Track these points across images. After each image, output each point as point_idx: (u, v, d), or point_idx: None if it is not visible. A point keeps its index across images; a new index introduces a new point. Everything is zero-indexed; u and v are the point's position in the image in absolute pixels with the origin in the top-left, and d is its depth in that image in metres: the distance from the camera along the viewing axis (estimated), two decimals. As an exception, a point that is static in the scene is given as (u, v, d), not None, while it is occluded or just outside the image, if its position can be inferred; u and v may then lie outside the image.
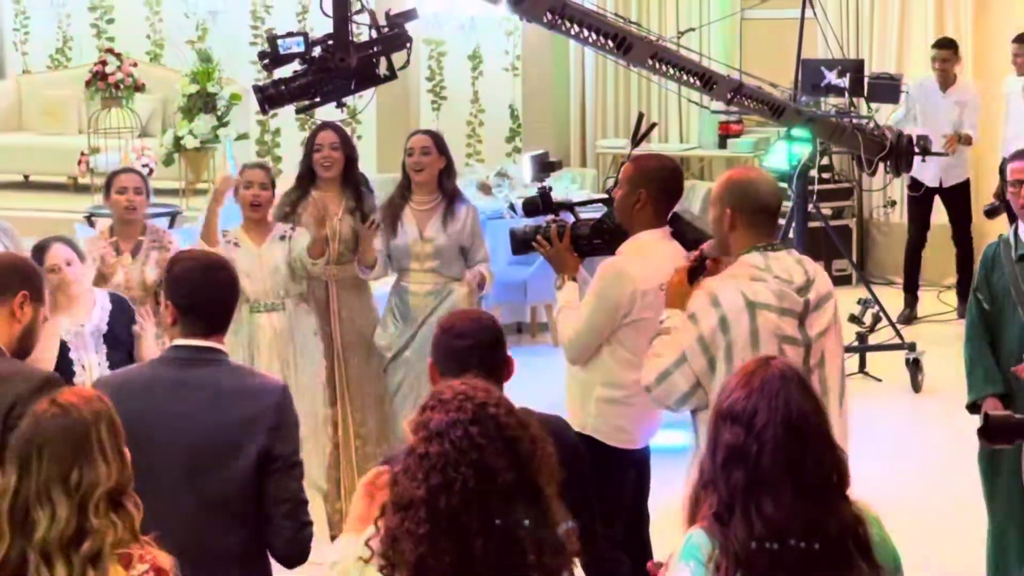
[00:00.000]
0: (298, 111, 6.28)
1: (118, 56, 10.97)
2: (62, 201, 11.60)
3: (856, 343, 8.80)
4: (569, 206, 5.37)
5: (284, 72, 6.01)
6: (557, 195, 5.71)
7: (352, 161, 6.47)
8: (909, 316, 10.12)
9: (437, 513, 2.64)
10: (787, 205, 9.10)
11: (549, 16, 6.55)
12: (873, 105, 9.39)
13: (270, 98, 5.85)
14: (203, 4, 13.31)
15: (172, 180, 10.83)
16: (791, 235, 8.91)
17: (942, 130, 9.79)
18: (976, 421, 5.32)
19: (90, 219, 9.62)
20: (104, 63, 10.88)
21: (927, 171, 9.88)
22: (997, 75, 10.71)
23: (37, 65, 14.01)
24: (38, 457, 2.81)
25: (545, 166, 5.78)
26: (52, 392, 3.51)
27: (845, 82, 9.18)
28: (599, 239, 5.02)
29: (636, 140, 5.70)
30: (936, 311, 10.36)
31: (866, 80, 9.39)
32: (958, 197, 10.31)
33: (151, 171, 10.30)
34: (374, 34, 5.98)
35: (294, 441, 3.66)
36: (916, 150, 8.85)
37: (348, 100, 13.09)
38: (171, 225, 9.45)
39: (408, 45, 5.92)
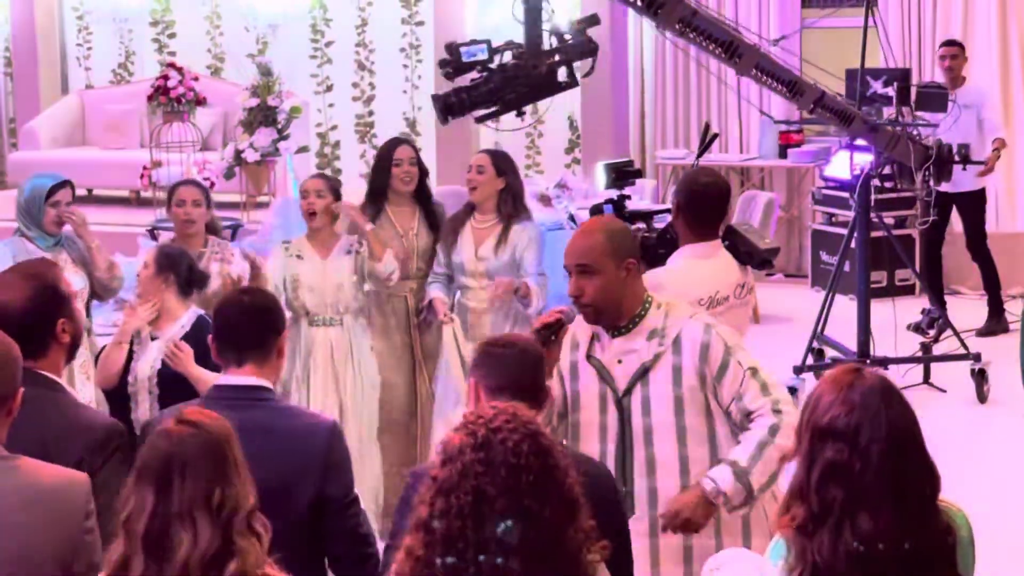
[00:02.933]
0: (478, 120, 6.22)
1: (180, 70, 11.06)
2: (125, 215, 11.70)
3: (920, 353, 8.71)
4: (644, 215, 5.37)
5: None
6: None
7: (424, 175, 6.48)
8: (988, 328, 9.98)
9: (434, 537, 2.62)
10: (850, 214, 9.04)
11: (679, 25, 6.54)
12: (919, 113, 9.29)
13: (450, 107, 5.81)
14: (263, 18, 13.41)
15: (233, 193, 10.90)
16: (853, 245, 8.83)
17: (959, 135, 9.65)
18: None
19: (153, 232, 9.70)
20: (166, 77, 10.98)
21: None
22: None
23: (100, 80, 14.16)
24: (180, 476, 2.71)
25: (621, 174, 5.74)
26: (115, 442, 3.49)
27: (892, 91, 9.12)
28: (663, 248, 5.03)
29: (700, 151, 5.70)
30: (1001, 321, 10.22)
31: (913, 89, 9.29)
32: (971, 205, 10.13)
33: (212, 184, 10.38)
34: (554, 41, 5.91)
35: (347, 479, 3.62)
36: (956, 159, 8.75)
37: (408, 112, 13.25)
38: (232, 238, 9.50)
39: (595, 52, 5.84)
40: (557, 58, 5.77)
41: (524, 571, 2.60)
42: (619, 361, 3.98)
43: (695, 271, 4.58)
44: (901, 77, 9.29)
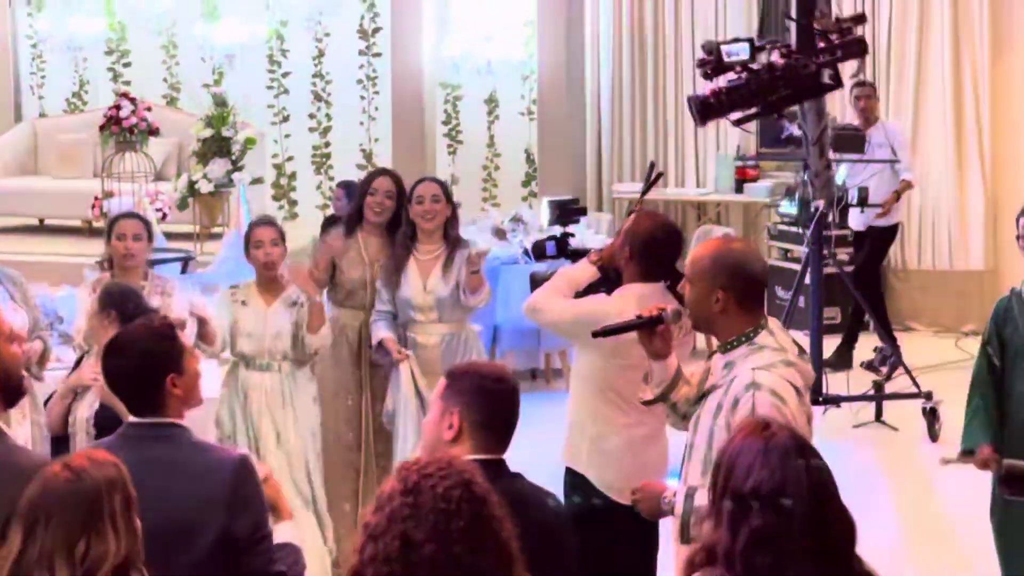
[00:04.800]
0: (735, 123, 6.03)
1: (133, 100, 10.98)
2: (76, 245, 11.58)
3: (872, 391, 8.70)
4: (586, 253, 5.34)
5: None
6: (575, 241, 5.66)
7: (399, 211, 6.41)
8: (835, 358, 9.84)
9: None
10: (804, 251, 9.05)
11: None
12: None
13: (709, 108, 5.63)
14: (219, 48, 13.36)
15: (186, 224, 10.82)
16: (806, 281, 8.83)
17: (871, 175, 9.72)
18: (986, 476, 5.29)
19: (102, 264, 9.58)
20: (118, 107, 10.90)
21: (856, 217, 9.96)
22: (1014, 123, 10.67)
23: (54, 109, 14.07)
24: (45, 523, 2.68)
25: (566, 212, 5.70)
26: None
27: (797, 131, 9.20)
28: (604, 287, 5.02)
29: (644, 190, 5.68)
30: (954, 358, 10.25)
31: (829, 131, 9.38)
32: (877, 239, 10.18)
33: (164, 216, 10.31)
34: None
35: (256, 516, 3.52)
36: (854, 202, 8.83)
37: (364, 143, 13.21)
38: (184, 270, 9.42)
39: (864, 53, 5.61)
40: (825, 58, 5.54)
41: None
42: (710, 373, 4.03)
43: (636, 309, 4.55)
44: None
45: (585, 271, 5.05)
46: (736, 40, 5.60)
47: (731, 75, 5.48)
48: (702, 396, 3.97)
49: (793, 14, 5.48)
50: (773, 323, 3.98)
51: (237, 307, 6.12)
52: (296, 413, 6.10)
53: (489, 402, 3.40)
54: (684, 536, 3.87)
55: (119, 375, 3.64)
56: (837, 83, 5.60)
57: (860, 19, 5.63)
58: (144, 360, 3.61)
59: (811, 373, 4.01)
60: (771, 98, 5.51)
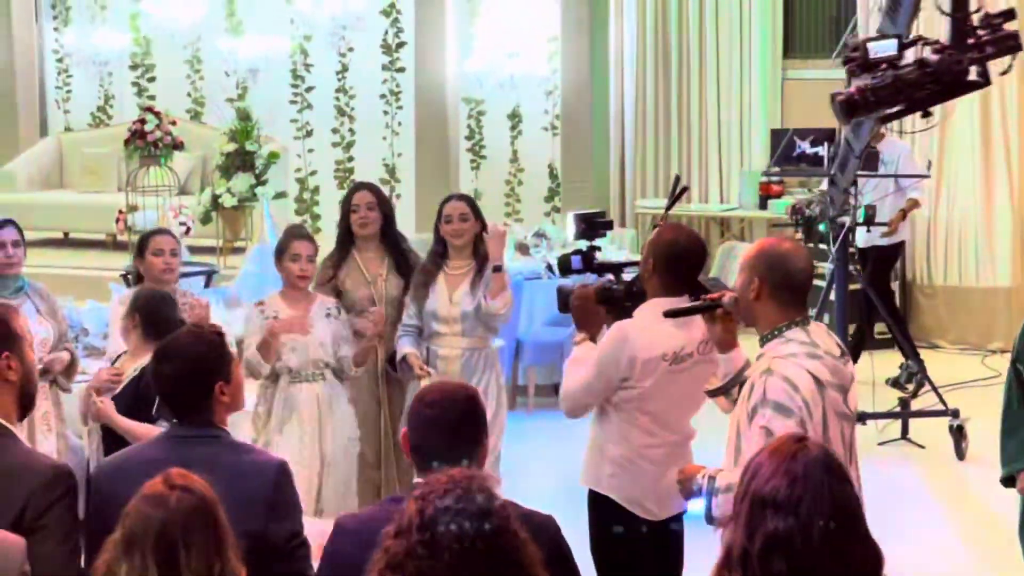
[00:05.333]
0: (882, 120, 5.96)
1: (157, 115, 11.00)
2: (100, 259, 11.63)
3: (898, 408, 8.64)
4: (614, 267, 5.31)
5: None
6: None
7: (389, 220, 6.45)
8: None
9: None
10: (828, 267, 9.01)
11: None
12: None
13: (854, 105, 5.56)
14: (244, 62, 13.37)
15: (209, 238, 10.83)
16: (831, 298, 8.78)
17: (879, 190, 9.67)
18: (1014, 494, 5.23)
19: (127, 277, 9.60)
20: (143, 121, 10.91)
21: (859, 235, 9.88)
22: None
23: (79, 123, 14.12)
24: (186, 550, 2.69)
25: (593, 225, 5.67)
26: (62, 486, 3.36)
27: (822, 151, 9.14)
28: (630, 301, 4.98)
29: (669, 204, 5.66)
30: (981, 375, 10.18)
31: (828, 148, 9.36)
32: (882, 257, 10.13)
33: (188, 230, 10.31)
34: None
35: (293, 522, 3.55)
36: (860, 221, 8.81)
37: (387, 158, 13.22)
38: (207, 284, 9.41)
39: (1018, 49, 5.50)
40: (975, 55, 5.45)
41: None
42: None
43: (660, 326, 4.55)
44: (828, 137, 9.30)
45: (584, 350, 4.97)
46: (883, 36, 5.52)
47: (874, 72, 5.40)
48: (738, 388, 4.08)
49: (945, 8, 5.37)
50: (816, 325, 4.06)
51: (269, 322, 6.10)
52: (338, 420, 6.14)
53: (417, 426, 3.39)
54: (708, 516, 3.99)
55: (170, 380, 3.64)
56: (986, 81, 5.51)
57: (1010, 15, 5.50)
58: (196, 366, 3.63)
59: (847, 373, 4.03)
60: (917, 95, 5.42)
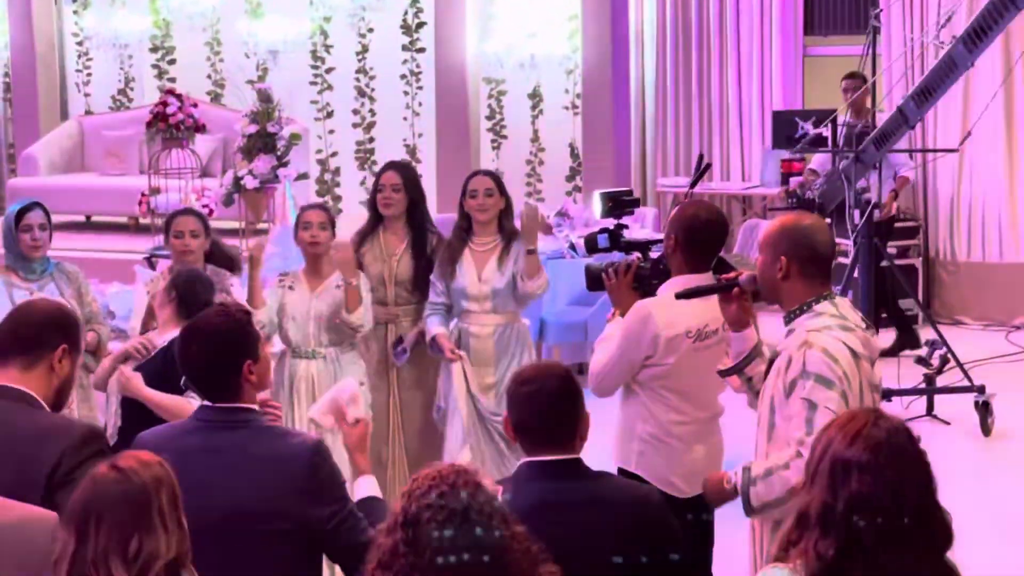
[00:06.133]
0: None
1: (179, 97, 11.02)
2: (123, 242, 11.66)
3: (923, 385, 8.63)
4: (641, 245, 5.32)
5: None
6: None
7: (415, 202, 6.45)
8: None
9: None
10: (848, 244, 8.99)
11: None
12: None
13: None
14: (263, 44, 13.39)
15: (232, 220, 10.84)
16: (856, 275, 8.77)
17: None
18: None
19: (151, 260, 9.64)
20: (165, 104, 10.93)
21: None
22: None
23: (99, 106, 14.14)
24: (96, 524, 2.71)
25: (619, 203, 5.67)
26: (95, 445, 3.45)
27: (825, 131, 9.16)
28: (657, 279, 4.98)
29: (694, 181, 5.66)
30: (1006, 351, 10.16)
31: (842, 128, 9.34)
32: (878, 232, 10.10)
33: (211, 212, 10.32)
34: None
35: (335, 500, 3.51)
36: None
37: (408, 138, 13.22)
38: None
39: None
40: None
41: None
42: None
43: (684, 303, 4.53)
44: (829, 118, 9.35)
45: (614, 327, 4.99)
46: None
47: None
48: (768, 369, 4.04)
49: None
50: (841, 299, 4.07)
51: (284, 292, 6.17)
52: None
53: (520, 406, 3.46)
54: (747, 508, 3.96)
55: (198, 360, 3.64)
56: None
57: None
58: (225, 346, 3.62)
59: (875, 346, 4.06)
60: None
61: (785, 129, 9.34)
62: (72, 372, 3.70)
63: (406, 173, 6.52)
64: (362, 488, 3.70)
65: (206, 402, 3.67)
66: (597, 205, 5.73)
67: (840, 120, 9.58)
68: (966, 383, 8.61)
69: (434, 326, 6.26)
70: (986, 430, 8.44)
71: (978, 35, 7.35)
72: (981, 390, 8.52)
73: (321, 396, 6.02)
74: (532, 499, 3.32)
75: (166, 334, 5.27)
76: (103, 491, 2.74)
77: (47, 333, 3.64)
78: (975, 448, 8.25)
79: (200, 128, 11.17)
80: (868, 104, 10.03)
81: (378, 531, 2.74)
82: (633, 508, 3.44)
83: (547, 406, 3.43)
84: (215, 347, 3.61)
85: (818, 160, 10.48)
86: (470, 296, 6.24)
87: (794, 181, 10.33)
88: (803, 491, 2.82)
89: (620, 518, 3.38)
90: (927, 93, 7.95)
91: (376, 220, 6.49)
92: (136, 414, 4.96)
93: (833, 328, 3.91)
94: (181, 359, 3.69)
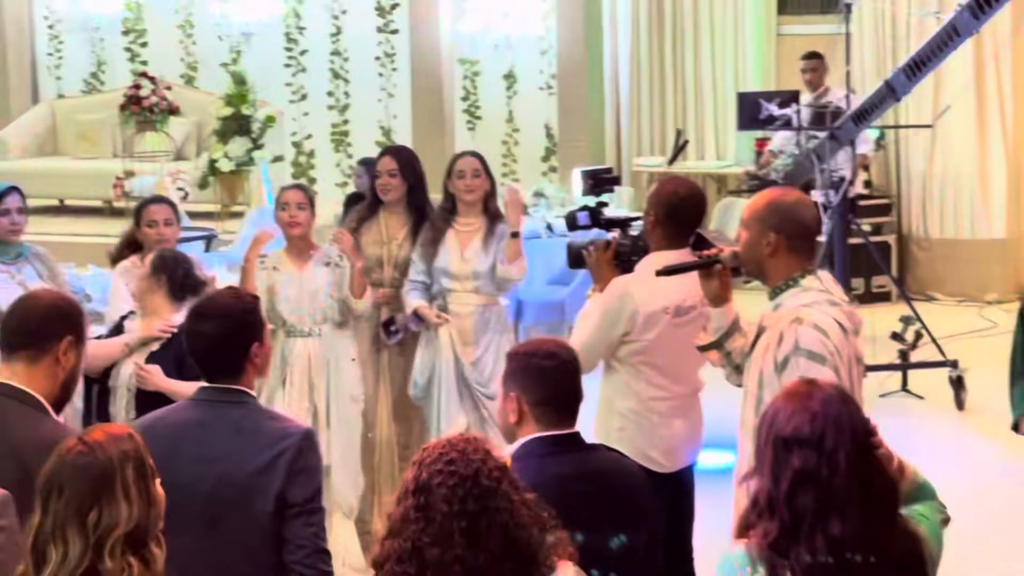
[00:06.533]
0: None
1: (152, 80, 11.00)
2: (97, 225, 11.62)
3: (898, 360, 8.69)
4: (621, 222, 5.35)
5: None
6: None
7: (414, 186, 6.44)
8: None
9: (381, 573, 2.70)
10: (827, 221, 9.04)
11: None
12: None
13: None
14: (237, 26, 13.36)
15: (207, 203, 10.83)
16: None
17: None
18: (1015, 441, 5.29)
19: (121, 250, 9.60)
20: (138, 87, 10.92)
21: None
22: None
23: (71, 90, 14.08)
24: (57, 495, 2.74)
25: (599, 181, 5.70)
26: None
27: (790, 111, 9.23)
28: (637, 256, 5.02)
29: (672, 157, 5.69)
30: (978, 327, 10.24)
31: (802, 108, 9.42)
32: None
33: (186, 195, 10.33)
34: None
35: (313, 487, 3.58)
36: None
37: (383, 120, 13.21)
38: (207, 249, 9.43)
39: None
40: None
41: None
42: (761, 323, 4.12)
43: (662, 279, 4.55)
44: (793, 98, 9.43)
45: (594, 303, 5.02)
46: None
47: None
48: (754, 344, 4.04)
49: None
50: (823, 273, 4.09)
51: (269, 273, 6.14)
52: (334, 377, 6.13)
53: (542, 380, 3.45)
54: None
55: (210, 339, 3.65)
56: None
57: None
58: (237, 326, 3.66)
59: (859, 317, 4.08)
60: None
61: (750, 110, 9.39)
62: (78, 364, 3.65)
63: (402, 157, 6.51)
64: None
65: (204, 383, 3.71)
66: (577, 183, 5.75)
67: (805, 101, 9.66)
68: (940, 358, 8.68)
69: (414, 299, 6.27)
70: (960, 404, 8.51)
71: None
72: (955, 365, 8.59)
73: (316, 377, 6.11)
74: (550, 472, 3.33)
75: (161, 321, 5.28)
76: (66, 464, 2.77)
77: (52, 325, 3.60)
78: (949, 422, 8.32)
79: (174, 111, 11.15)
80: (824, 82, 10.14)
81: (389, 503, 2.78)
82: (629, 479, 3.51)
83: (574, 380, 3.48)
84: (227, 326, 3.65)
85: (778, 140, 10.55)
86: (452, 275, 6.25)
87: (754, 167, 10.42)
88: (755, 475, 2.87)
89: (620, 489, 3.45)
90: (920, 64, 8.02)
91: (376, 203, 6.50)
92: (152, 406, 4.97)
93: (822, 303, 3.93)
94: (191, 336, 3.71)
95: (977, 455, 7.71)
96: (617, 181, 5.90)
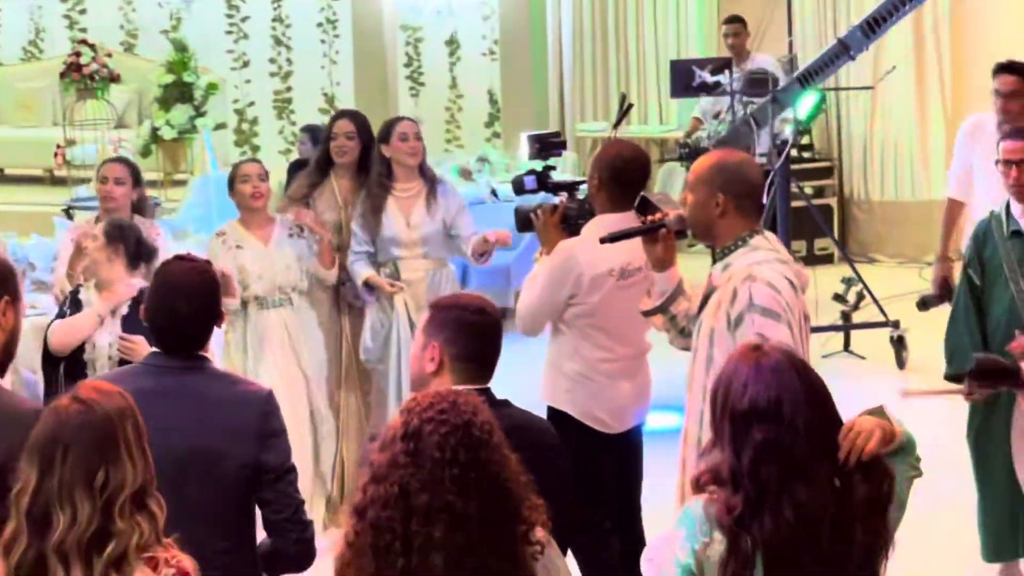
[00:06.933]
0: None
1: (92, 47, 10.89)
2: (39, 194, 11.52)
3: (840, 321, 8.79)
4: (568, 186, 5.39)
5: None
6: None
7: (368, 149, 6.45)
8: None
9: (365, 525, 2.67)
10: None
11: None
12: None
13: None
14: (177, -8, 13.22)
15: (150, 171, 10.74)
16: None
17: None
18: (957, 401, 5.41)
19: (68, 212, 9.56)
20: (78, 54, 10.81)
21: None
22: (975, 53, 10.71)
23: (9, 58, 13.89)
24: (63, 457, 2.70)
25: (547, 145, 5.73)
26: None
27: (723, 78, 9.31)
28: (584, 219, 5.06)
29: (617, 121, 5.73)
30: (919, 288, 10.33)
31: (733, 75, 9.51)
32: None
33: (129, 163, 10.23)
34: None
35: (284, 449, 3.64)
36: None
37: (326, 87, 13.14)
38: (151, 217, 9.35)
39: None
40: None
41: (448, 566, 2.63)
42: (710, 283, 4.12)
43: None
44: (726, 65, 9.50)
45: (541, 266, 5.05)
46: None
47: None
48: (703, 304, 4.07)
49: None
50: (769, 233, 4.13)
51: (235, 253, 6.13)
52: (311, 342, 6.20)
53: (469, 335, 3.45)
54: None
55: (182, 317, 3.67)
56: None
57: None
58: (207, 300, 3.71)
59: (806, 276, 4.14)
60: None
61: (683, 78, 9.44)
62: (17, 323, 3.57)
63: (358, 120, 6.54)
64: None
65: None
66: (525, 147, 5.78)
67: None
68: (881, 319, 8.79)
69: (363, 270, 6.26)
70: (901, 364, 8.63)
71: None
72: (896, 325, 8.71)
73: (299, 345, 6.12)
74: None
75: (120, 289, 5.25)
76: (66, 423, 2.73)
77: None
78: (891, 381, 8.41)
79: (115, 79, 11.05)
80: (747, 47, 10.20)
81: (369, 450, 2.76)
82: (539, 437, 3.50)
83: (498, 339, 3.48)
84: (201, 305, 3.69)
85: (701, 107, 10.62)
86: (401, 243, 6.24)
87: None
88: (712, 450, 2.89)
89: (531, 445, 3.33)
90: (878, 22, 8.10)
91: (326, 168, 6.48)
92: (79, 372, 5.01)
93: (772, 261, 3.97)
94: (160, 310, 3.69)
95: (918, 413, 7.81)
96: (564, 145, 5.91)
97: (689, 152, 9.32)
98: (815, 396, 2.84)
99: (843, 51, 8.48)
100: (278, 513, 3.60)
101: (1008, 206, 5.40)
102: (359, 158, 6.43)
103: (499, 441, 2.75)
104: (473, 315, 3.47)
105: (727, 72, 9.41)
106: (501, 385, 3.56)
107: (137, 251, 5.32)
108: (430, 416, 2.69)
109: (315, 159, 6.61)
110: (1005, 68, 6.61)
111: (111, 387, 2.87)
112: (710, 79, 9.37)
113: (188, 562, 2.80)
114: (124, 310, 5.23)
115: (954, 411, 5.78)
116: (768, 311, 3.85)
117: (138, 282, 5.23)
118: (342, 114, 6.70)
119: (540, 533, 2.79)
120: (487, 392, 3.45)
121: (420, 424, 2.68)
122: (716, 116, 10.17)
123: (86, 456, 2.70)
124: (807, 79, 8.70)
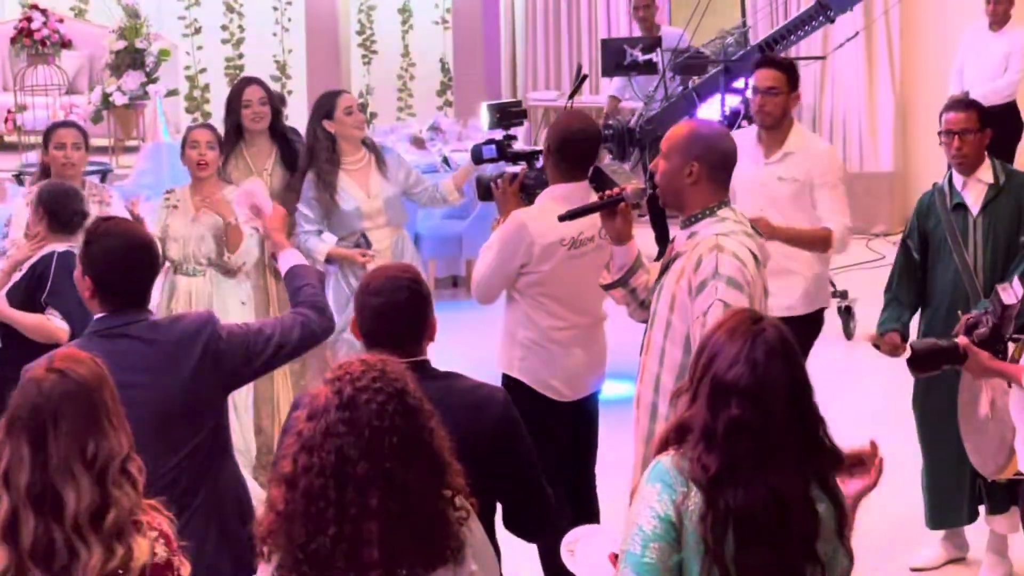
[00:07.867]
0: None
1: (43, 12, 10.80)
2: (-10, 160, 11.42)
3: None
4: (527, 156, 5.45)
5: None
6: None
7: (278, 114, 6.48)
8: None
9: (296, 494, 2.68)
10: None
11: None
12: None
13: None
14: (128, -43, 13.09)
15: (101, 138, 10.69)
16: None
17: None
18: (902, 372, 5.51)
19: (19, 177, 9.50)
20: (29, 19, 10.71)
21: None
22: (923, 27, 10.81)
23: (-42, 22, 13.75)
24: (53, 430, 2.66)
25: (507, 115, 5.76)
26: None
27: (656, 57, 9.35)
28: (541, 188, 5.11)
29: (572, 92, 5.78)
30: (866, 258, 10.48)
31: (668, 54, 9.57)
32: None
33: (81, 129, 10.18)
34: None
35: (242, 351, 3.80)
36: None
37: (278, 54, 13.10)
38: (102, 182, 9.33)
39: None
40: None
41: (382, 534, 2.65)
42: (672, 249, 4.15)
43: (558, 211, 4.62)
44: (656, 44, 9.54)
45: (496, 235, 5.07)
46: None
47: None
48: (664, 270, 4.09)
49: None
50: (735, 206, 4.16)
51: (169, 211, 6.17)
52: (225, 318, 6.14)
53: (370, 316, 3.43)
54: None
55: (136, 273, 3.76)
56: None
57: None
58: (152, 259, 3.81)
59: (768, 250, 4.17)
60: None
61: (615, 57, 9.47)
62: None
63: (264, 85, 6.54)
64: (288, 259, 4.12)
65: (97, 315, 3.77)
66: (485, 117, 5.81)
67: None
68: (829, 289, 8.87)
69: (322, 244, 6.16)
70: (848, 334, 8.75)
71: None
72: (844, 295, 8.82)
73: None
74: None
75: (40, 252, 5.26)
76: (50, 396, 2.69)
77: None
78: (838, 351, 8.54)
79: (66, 44, 10.97)
80: (656, 21, 10.22)
81: (295, 419, 2.76)
82: (469, 412, 3.37)
83: (396, 319, 3.38)
84: (148, 261, 3.79)
85: (615, 86, 10.61)
86: (364, 214, 6.22)
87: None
88: (686, 402, 2.89)
89: (460, 420, 3.20)
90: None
91: (236, 137, 6.46)
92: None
93: (738, 233, 4.00)
94: (115, 271, 3.72)
95: (866, 382, 7.94)
96: (525, 115, 5.95)
97: (613, 133, 9.27)
98: (797, 388, 2.83)
99: (820, 11, 8.46)
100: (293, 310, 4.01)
101: (951, 178, 5.47)
102: (270, 124, 6.44)
103: (429, 408, 2.78)
104: (371, 296, 3.41)
105: (658, 51, 9.43)
106: (448, 355, 3.57)
107: (64, 215, 5.30)
108: (364, 385, 2.70)
109: (226, 130, 6.50)
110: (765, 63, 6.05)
111: (81, 353, 2.87)
112: (641, 58, 9.40)
113: (166, 522, 2.82)
114: (26, 268, 5.23)
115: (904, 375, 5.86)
116: (733, 281, 3.89)
117: (50, 248, 5.23)
118: (249, 81, 6.61)
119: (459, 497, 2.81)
120: (423, 364, 3.40)
121: (354, 392, 2.69)
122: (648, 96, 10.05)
123: (75, 428, 2.68)
124: (776, 43, 8.68)
